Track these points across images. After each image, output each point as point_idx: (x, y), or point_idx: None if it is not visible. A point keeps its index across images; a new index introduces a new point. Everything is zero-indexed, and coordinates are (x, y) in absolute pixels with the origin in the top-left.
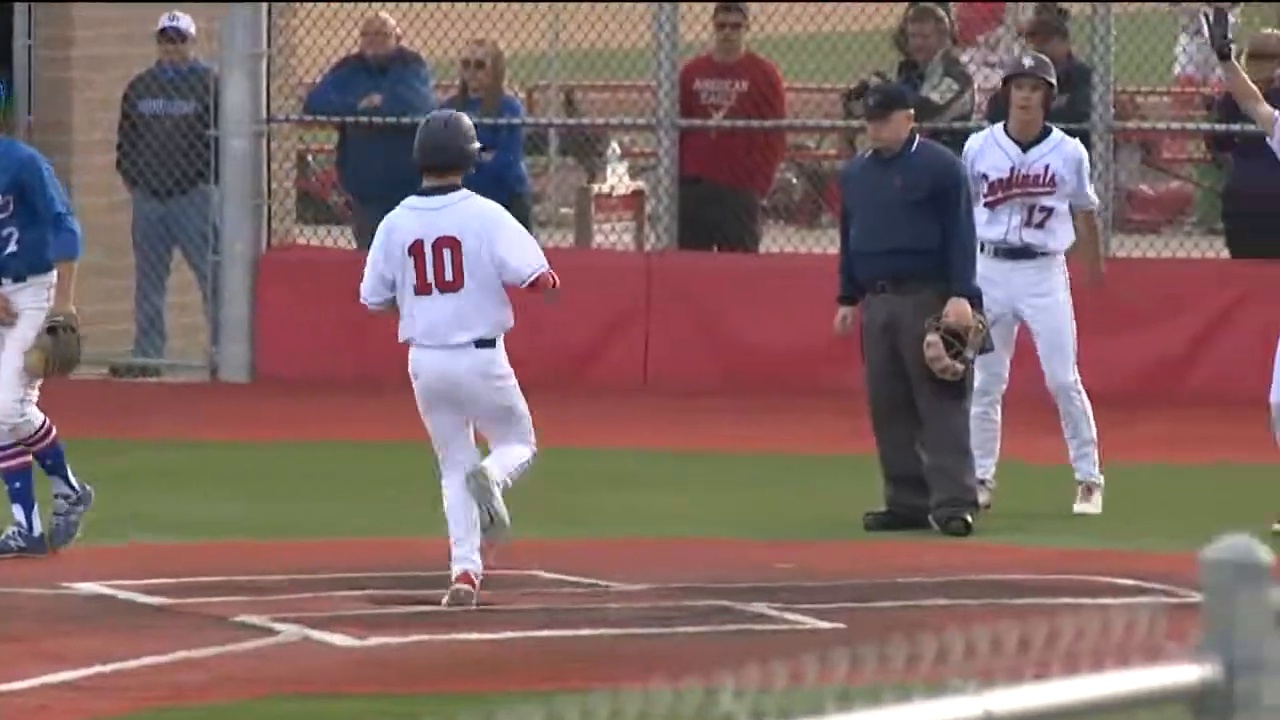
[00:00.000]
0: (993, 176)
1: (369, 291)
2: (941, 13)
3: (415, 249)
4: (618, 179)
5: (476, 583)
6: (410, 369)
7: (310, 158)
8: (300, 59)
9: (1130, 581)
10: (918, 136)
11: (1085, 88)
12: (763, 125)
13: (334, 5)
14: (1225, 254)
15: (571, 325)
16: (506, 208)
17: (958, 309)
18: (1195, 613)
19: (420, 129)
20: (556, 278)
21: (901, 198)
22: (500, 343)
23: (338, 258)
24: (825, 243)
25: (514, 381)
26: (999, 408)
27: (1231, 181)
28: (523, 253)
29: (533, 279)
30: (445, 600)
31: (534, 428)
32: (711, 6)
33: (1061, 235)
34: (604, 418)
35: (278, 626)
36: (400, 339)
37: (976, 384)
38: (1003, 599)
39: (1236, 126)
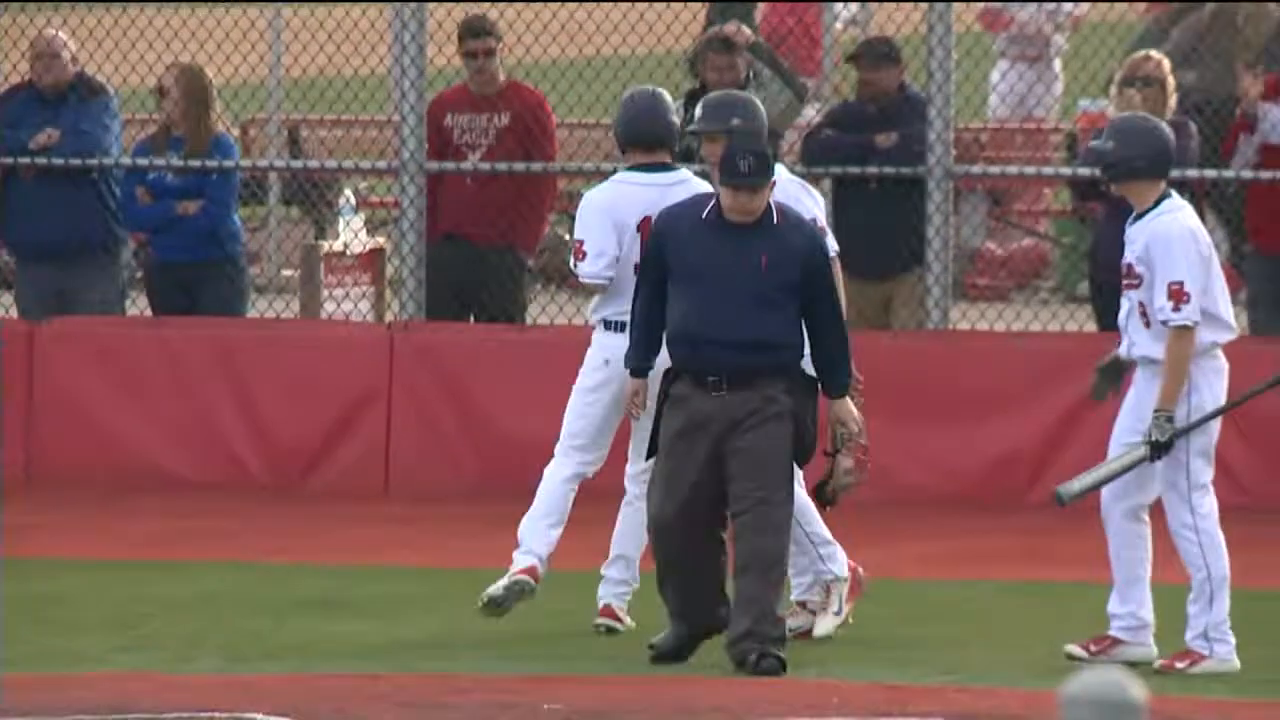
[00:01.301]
0: None
1: (603, 266)
2: (748, 34)
3: (645, 226)
4: (353, 234)
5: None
6: (600, 355)
7: None
8: None
9: None
10: (772, 202)
11: (920, 124)
12: (529, 169)
13: None
14: (1091, 325)
15: (296, 414)
16: (214, 269)
17: (855, 414)
18: None
19: (623, 106)
20: None
21: (765, 281)
22: None
23: (8, 330)
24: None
25: None
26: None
27: (1097, 239)
28: None
29: None
30: (501, 587)
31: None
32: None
33: None
34: (335, 527)
35: None
36: (593, 318)
37: None
38: None
39: None
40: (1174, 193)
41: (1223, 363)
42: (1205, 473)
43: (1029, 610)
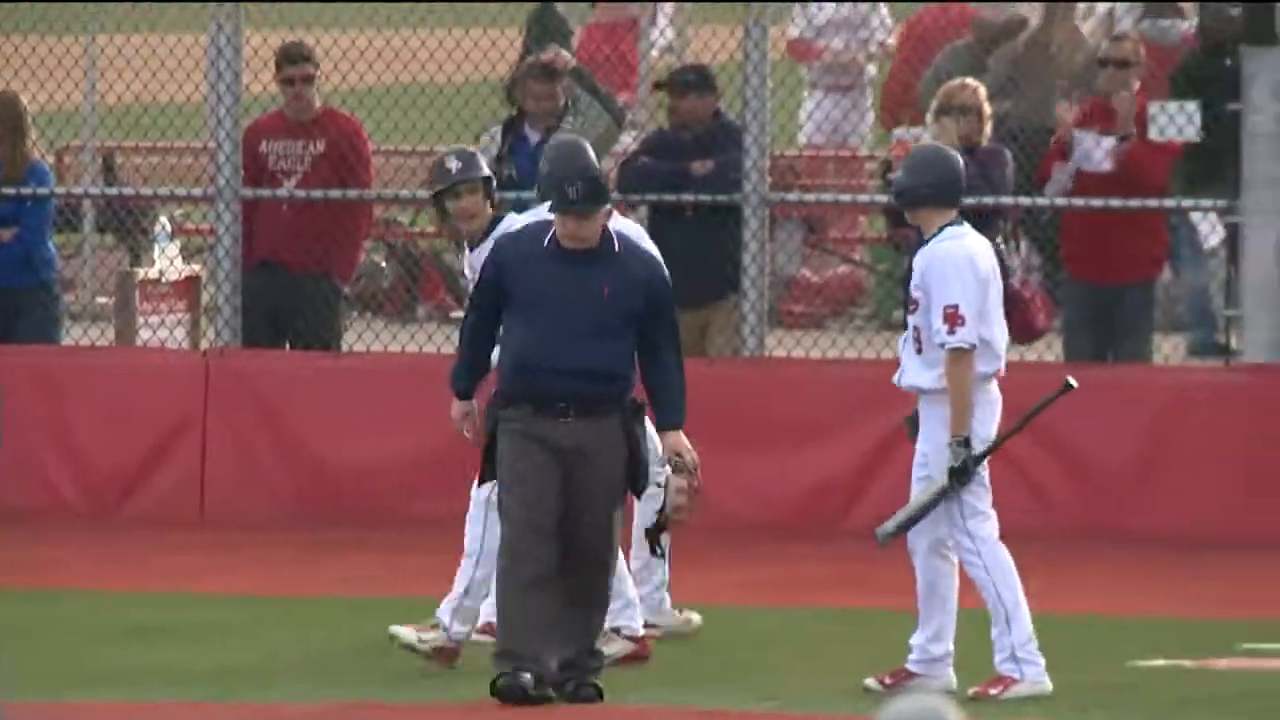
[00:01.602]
0: None
1: None
2: (568, 59)
3: None
4: (168, 262)
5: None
6: None
7: None
8: None
9: None
10: (612, 231)
11: (735, 151)
12: (345, 196)
13: None
14: None
15: (111, 441)
16: (28, 296)
17: (687, 443)
18: None
19: (544, 155)
20: None
21: (607, 310)
22: None
23: None
24: (421, 339)
25: None
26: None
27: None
28: None
29: None
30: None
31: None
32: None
33: None
34: (152, 555)
35: None
36: None
37: None
38: None
39: None
40: (963, 221)
41: (995, 395)
42: (982, 499)
43: (845, 637)
